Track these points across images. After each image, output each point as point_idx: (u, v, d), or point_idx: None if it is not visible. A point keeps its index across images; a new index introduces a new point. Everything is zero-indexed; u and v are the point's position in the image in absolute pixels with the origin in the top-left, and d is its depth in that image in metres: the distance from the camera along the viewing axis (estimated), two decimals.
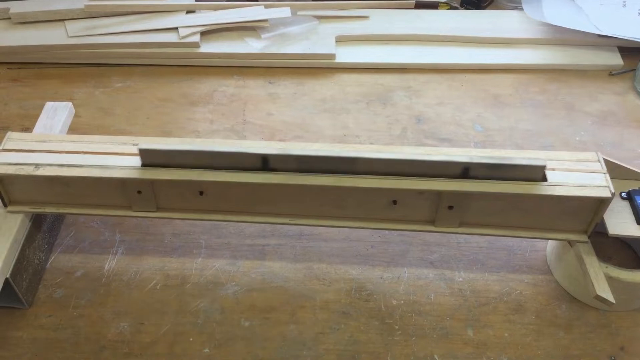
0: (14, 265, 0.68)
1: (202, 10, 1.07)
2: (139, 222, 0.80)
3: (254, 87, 1.01)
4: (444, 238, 0.78)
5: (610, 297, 0.64)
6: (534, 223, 0.69)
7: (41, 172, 0.67)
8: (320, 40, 1.05)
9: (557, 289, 0.74)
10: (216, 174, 0.66)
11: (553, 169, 0.67)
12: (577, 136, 0.93)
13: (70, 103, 0.85)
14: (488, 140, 0.92)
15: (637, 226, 0.68)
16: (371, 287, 0.74)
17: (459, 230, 0.69)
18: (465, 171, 0.64)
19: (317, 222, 0.70)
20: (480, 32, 1.08)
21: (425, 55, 1.05)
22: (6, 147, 0.70)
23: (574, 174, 0.66)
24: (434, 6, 1.16)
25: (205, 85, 1.01)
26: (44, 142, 0.70)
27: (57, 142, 0.70)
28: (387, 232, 0.79)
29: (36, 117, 0.85)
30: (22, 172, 0.67)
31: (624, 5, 1.08)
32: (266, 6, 1.08)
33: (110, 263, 0.76)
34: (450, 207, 0.67)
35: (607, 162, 0.69)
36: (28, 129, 0.92)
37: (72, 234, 0.79)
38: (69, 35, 1.02)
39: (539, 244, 0.78)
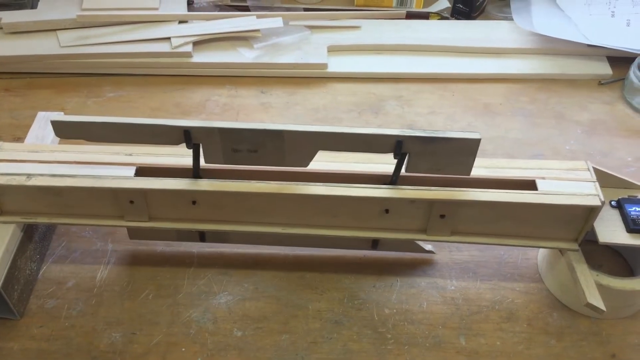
0: (5, 276, 0.68)
1: (194, 21, 1.08)
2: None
3: (247, 97, 1.01)
4: (435, 246, 0.79)
5: (601, 305, 0.64)
6: (525, 231, 0.69)
7: (33, 182, 0.67)
8: (313, 50, 1.06)
9: (548, 297, 0.74)
10: (209, 184, 0.66)
11: (543, 178, 0.67)
12: (567, 145, 0.94)
13: (62, 113, 0.85)
14: (479, 149, 0.92)
15: (627, 234, 0.68)
16: (364, 296, 0.74)
17: (451, 238, 0.70)
18: (399, 145, 0.61)
19: (310, 231, 0.70)
20: (470, 42, 1.09)
21: (417, 65, 1.06)
22: None
23: (564, 183, 0.67)
24: (425, 16, 1.17)
25: (197, 95, 1.01)
26: (36, 152, 0.70)
27: (49, 152, 0.70)
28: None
29: (28, 127, 0.85)
30: (14, 182, 0.67)
31: (613, 16, 1.10)
32: (258, 16, 1.08)
33: (102, 273, 0.76)
34: (442, 216, 0.67)
35: (596, 170, 0.69)
36: (20, 139, 0.92)
37: (63, 244, 0.79)
38: (61, 45, 1.02)
39: (530, 252, 0.79)
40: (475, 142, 0.61)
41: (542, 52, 1.08)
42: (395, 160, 0.64)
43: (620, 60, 1.06)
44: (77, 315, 0.72)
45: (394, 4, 1.18)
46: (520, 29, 1.09)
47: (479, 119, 0.98)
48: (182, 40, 1.03)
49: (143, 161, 0.69)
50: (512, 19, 1.12)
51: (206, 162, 0.64)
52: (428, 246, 0.77)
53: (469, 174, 0.64)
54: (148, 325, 0.71)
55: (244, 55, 1.04)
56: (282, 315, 0.72)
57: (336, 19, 1.13)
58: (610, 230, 0.69)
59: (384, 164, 0.69)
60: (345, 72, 1.05)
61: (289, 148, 0.62)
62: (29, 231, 0.73)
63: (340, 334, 0.70)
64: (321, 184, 0.66)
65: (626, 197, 0.71)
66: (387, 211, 0.67)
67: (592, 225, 0.67)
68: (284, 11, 1.13)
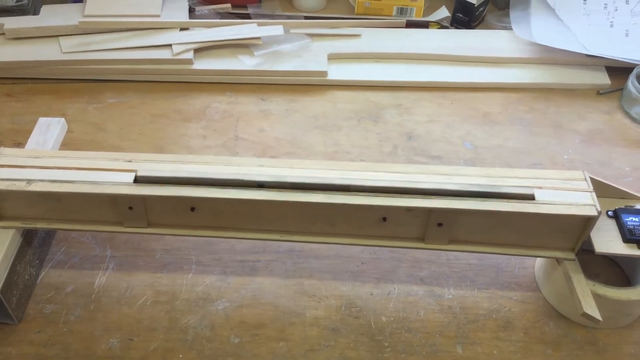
0: (4, 281, 0.68)
1: (195, 28, 1.08)
2: (130, 237, 0.80)
3: (247, 104, 1.02)
4: (433, 255, 0.79)
5: (597, 314, 0.65)
6: (522, 241, 0.69)
7: (33, 187, 0.67)
8: (313, 58, 1.06)
9: (545, 306, 0.74)
10: (208, 191, 0.66)
11: (540, 188, 0.68)
12: (565, 154, 0.95)
13: (63, 119, 0.86)
14: (477, 158, 0.93)
15: (624, 244, 0.69)
16: (361, 304, 0.74)
17: (449, 247, 0.70)
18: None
19: (308, 239, 0.70)
20: (470, 51, 1.09)
21: (416, 73, 1.07)
22: None
23: (561, 193, 0.67)
24: (425, 25, 1.18)
25: (198, 102, 1.02)
26: (37, 157, 0.71)
27: (50, 158, 0.71)
28: (377, 248, 0.80)
29: (29, 132, 0.85)
30: (14, 188, 0.67)
31: (612, 26, 1.10)
32: (259, 24, 1.09)
33: (101, 279, 0.76)
34: (440, 225, 0.67)
35: (593, 180, 0.70)
36: (20, 144, 0.92)
37: (63, 249, 0.79)
38: (63, 51, 1.03)
39: (528, 261, 0.79)
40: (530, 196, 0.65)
41: (541, 61, 1.09)
42: (397, 171, 0.64)
43: (618, 71, 1.07)
44: (75, 321, 0.72)
45: (394, 13, 1.19)
46: (520, 39, 1.10)
47: (477, 127, 0.98)
48: (183, 47, 1.03)
49: (143, 167, 0.69)
50: (511, 29, 1.13)
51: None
52: None
53: None
54: (146, 331, 0.71)
55: (244, 63, 1.05)
56: (280, 323, 0.72)
57: (336, 27, 1.13)
58: (607, 240, 0.69)
59: (383, 172, 0.69)
60: (345, 79, 1.05)
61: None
62: (28, 236, 0.73)
63: (337, 341, 0.71)
64: (320, 192, 0.66)
65: (623, 207, 0.72)
66: (384, 219, 0.68)
67: (589, 235, 0.68)
68: (285, 19, 1.13)
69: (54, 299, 0.74)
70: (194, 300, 0.74)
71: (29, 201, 0.69)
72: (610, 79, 1.06)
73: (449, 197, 0.66)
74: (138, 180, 0.67)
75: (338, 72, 1.06)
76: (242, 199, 0.66)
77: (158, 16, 1.08)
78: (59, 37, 1.05)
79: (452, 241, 0.70)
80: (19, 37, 1.06)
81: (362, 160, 0.92)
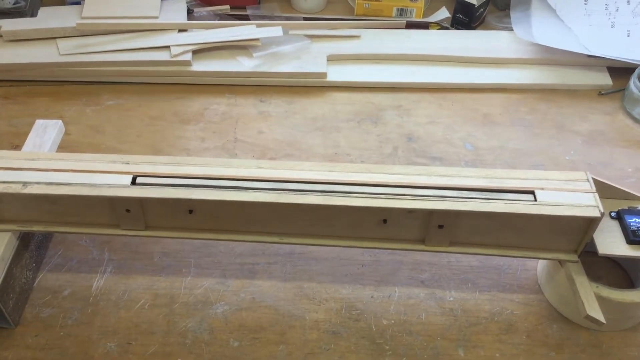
0: (1, 284, 0.67)
1: (194, 29, 1.08)
2: (128, 240, 0.80)
3: (246, 106, 1.01)
4: (434, 257, 0.78)
5: (600, 317, 0.64)
6: (524, 242, 0.69)
7: (29, 190, 0.66)
8: (312, 59, 1.06)
9: (547, 308, 0.74)
10: (206, 193, 0.66)
11: (543, 189, 0.67)
12: (567, 155, 0.94)
13: (60, 121, 0.85)
14: (478, 159, 0.92)
15: (627, 245, 0.68)
16: (361, 307, 0.74)
17: (450, 249, 0.69)
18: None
19: (307, 241, 0.69)
20: (470, 52, 1.09)
21: (416, 75, 1.06)
22: None
23: (564, 194, 0.66)
24: (425, 26, 1.17)
25: (196, 104, 1.01)
26: (33, 160, 0.70)
27: (46, 160, 0.70)
28: (377, 251, 0.79)
29: (26, 134, 0.84)
30: (10, 191, 0.66)
31: (613, 26, 1.10)
32: (258, 25, 1.08)
33: (99, 282, 0.75)
34: (441, 226, 0.66)
35: (596, 181, 0.69)
36: (17, 146, 0.91)
37: (60, 252, 0.78)
38: (61, 53, 1.02)
39: (530, 263, 0.78)
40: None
41: (542, 62, 1.08)
42: (396, 172, 0.63)
43: (620, 71, 1.06)
44: (72, 325, 0.71)
45: (393, 14, 1.18)
46: (520, 40, 1.09)
47: (478, 129, 0.98)
48: (181, 49, 1.03)
49: (140, 170, 0.68)
50: (512, 30, 1.12)
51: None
52: None
53: None
54: (144, 335, 0.70)
55: (243, 64, 1.04)
56: (279, 326, 0.71)
57: (336, 28, 1.13)
58: (610, 242, 0.68)
59: (383, 173, 0.68)
60: (345, 81, 1.05)
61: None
62: (25, 239, 0.73)
63: (337, 344, 0.70)
64: (319, 193, 0.66)
65: (626, 208, 0.71)
66: (385, 221, 0.67)
67: (592, 237, 0.67)
68: (284, 20, 1.13)
69: (51, 302, 0.73)
70: (193, 303, 0.73)
71: (25, 204, 0.68)
72: (612, 80, 1.06)
73: (450, 199, 0.65)
74: (136, 182, 0.67)
75: (337, 74, 1.05)
76: (241, 201, 0.65)
77: (156, 18, 1.07)
78: (57, 39, 1.05)
79: (453, 243, 0.69)
80: (17, 39, 1.05)
81: (362, 162, 0.91)
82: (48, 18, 1.08)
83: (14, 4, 1.10)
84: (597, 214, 0.64)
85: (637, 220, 0.69)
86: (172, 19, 1.08)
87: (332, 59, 1.07)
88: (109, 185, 0.66)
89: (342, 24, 1.14)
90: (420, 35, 1.13)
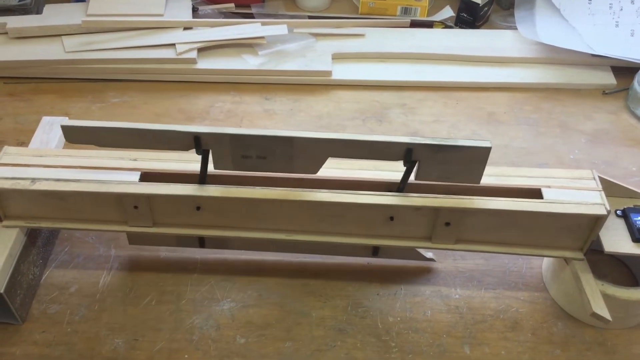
0: (8, 281, 0.67)
1: (199, 27, 1.08)
2: None
3: (251, 103, 1.01)
4: (440, 254, 0.78)
5: (606, 314, 0.64)
6: (530, 240, 0.69)
7: (37, 186, 0.66)
8: (317, 57, 1.06)
9: (553, 306, 0.74)
10: (214, 190, 0.66)
11: (549, 186, 0.67)
12: (571, 154, 0.94)
13: (67, 118, 0.85)
14: None
15: (633, 244, 0.68)
16: (367, 304, 0.74)
17: (456, 246, 0.69)
18: (409, 152, 0.61)
19: (314, 238, 0.70)
20: (475, 50, 1.09)
21: (421, 73, 1.06)
22: (2, 161, 0.69)
23: (570, 192, 0.67)
24: (429, 25, 1.18)
25: (202, 101, 1.01)
26: (41, 156, 0.70)
27: (54, 157, 0.70)
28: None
29: (31, 131, 0.85)
30: (18, 187, 0.66)
31: (617, 26, 1.10)
32: (263, 23, 1.08)
33: (105, 279, 0.76)
34: (447, 224, 0.67)
35: (602, 179, 0.69)
36: (24, 143, 0.91)
37: (66, 249, 0.78)
38: (66, 50, 1.03)
39: (535, 261, 0.78)
40: (486, 151, 0.60)
41: (547, 61, 1.08)
42: (404, 168, 0.63)
43: (624, 70, 1.06)
44: (79, 321, 0.71)
45: (398, 13, 1.19)
46: (525, 39, 1.10)
47: (483, 127, 0.98)
48: (186, 47, 1.03)
49: (148, 166, 0.69)
50: (516, 29, 1.12)
51: (215, 168, 0.64)
52: (429, 254, 0.77)
53: (478, 182, 0.63)
54: (151, 332, 0.70)
55: (248, 62, 1.04)
56: (286, 323, 0.72)
57: (340, 27, 1.13)
58: (616, 240, 0.68)
59: (391, 171, 0.69)
60: (350, 79, 1.05)
61: (298, 155, 0.62)
62: (32, 236, 0.73)
63: (344, 341, 0.70)
64: (327, 190, 0.66)
65: (632, 206, 0.71)
66: (392, 218, 0.67)
67: (598, 235, 0.67)
68: (288, 19, 1.13)
69: (58, 299, 0.73)
70: (199, 300, 0.73)
71: (33, 200, 0.68)
72: (616, 79, 1.06)
73: (457, 197, 0.65)
74: (143, 179, 0.67)
75: (342, 72, 1.06)
76: (249, 198, 0.65)
77: (161, 15, 1.07)
78: (62, 37, 1.05)
79: (459, 241, 0.69)
80: (22, 36, 1.05)
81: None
82: (53, 15, 1.08)
83: (20, 1, 1.10)
84: (604, 212, 0.64)
85: None
86: (178, 16, 1.08)
87: (337, 57, 1.08)
88: (117, 182, 0.66)
89: (347, 23, 1.14)
90: (425, 34, 1.14)
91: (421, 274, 0.77)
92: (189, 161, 0.70)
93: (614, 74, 1.07)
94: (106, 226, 0.70)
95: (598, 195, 0.66)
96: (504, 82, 1.06)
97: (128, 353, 0.68)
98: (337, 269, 0.77)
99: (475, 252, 0.76)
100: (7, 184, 0.67)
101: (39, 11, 1.11)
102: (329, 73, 1.04)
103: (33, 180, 0.67)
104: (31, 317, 0.71)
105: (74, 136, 0.63)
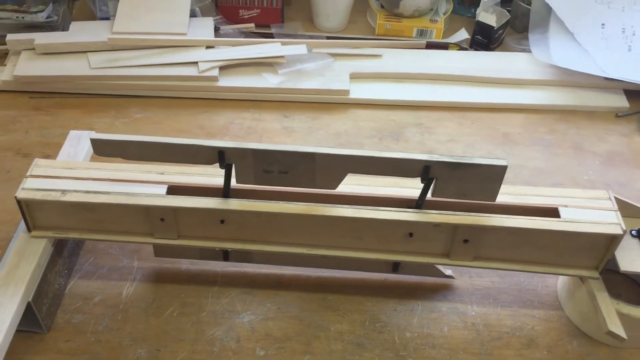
0: (36, 290, 0.69)
1: (221, 46, 1.11)
2: None
3: (270, 121, 1.03)
4: (456, 272, 0.80)
5: (622, 332, 0.65)
6: (546, 258, 0.70)
7: (68, 198, 0.68)
8: (335, 77, 1.08)
9: (568, 324, 0.75)
10: (239, 204, 0.68)
11: (566, 206, 0.69)
12: (585, 175, 0.95)
13: (94, 132, 0.87)
14: None
15: None
16: (385, 319, 0.75)
17: (473, 263, 0.71)
18: (426, 170, 0.63)
19: (335, 253, 0.71)
20: (490, 72, 1.11)
21: (437, 94, 1.08)
22: (33, 173, 0.72)
23: (586, 211, 0.68)
24: (444, 47, 1.20)
25: (222, 118, 1.04)
26: (70, 169, 0.72)
27: (83, 169, 0.72)
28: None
29: (57, 145, 0.87)
30: (49, 198, 0.69)
31: (630, 50, 1.12)
32: (283, 43, 1.11)
33: (128, 289, 0.77)
34: (466, 241, 0.68)
35: (617, 200, 0.70)
36: (49, 156, 0.94)
37: (91, 260, 0.80)
38: (92, 66, 1.05)
39: (550, 279, 0.79)
40: (502, 169, 0.62)
41: (560, 84, 1.10)
42: (422, 185, 0.65)
43: (636, 94, 1.08)
44: (103, 331, 0.73)
45: (414, 35, 1.21)
46: (539, 61, 1.12)
47: (498, 147, 0.99)
48: (208, 65, 1.06)
49: (174, 180, 0.70)
50: (530, 51, 1.14)
51: (238, 182, 0.66)
52: (448, 271, 0.78)
53: (494, 200, 0.65)
54: (173, 342, 0.72)
55: (268, 81, 1.07)
56: (305, 336, 0.73)
57: (358, 47, 1.15)
58: (632, 259, 0.70)
59: (410, 188, 0.70)
60: (367, 98, 1.07)
61: (320, 170, 0.64)
62: (59, 246, 0.75)
63: (361, 356, 0.71)
64: (348, 206, 0.68)
65: None
66: (411, 235, 0.69)
67: (613, 254, 0.68)
68: (308, 39, 1.16)
69: (82, 308, 0.75)
70: (220, 312, 0.75)
71: (62, 211, 0.70)
72: (629, 102, 1.08)
73: (476, 214, 0.67)
74: (170, 192, 0.69)
75: (360, 91, 1.08)
76: (272, 212, 0.67)
77: (185, 34, 1.10)
78: (88, 53, 1.08)
79: (476, 258, 0.71)
80: (49, 52, 1.08)
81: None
82: (79, 32, 1.11)
83: (47, 18, 1.13)
84: (620, 232, 0.65)
85: None
86: (200, 35, 1.11)
87: (355, 76, 1.10)
88: (145, 195, 0.68)
89: (364, 43, 1.16)
90: (440, 55, 1.16)
91: (438, 290, 0.78)
92: (214, 175, 0.72)
93: (626, 96, 1.09)
94: (132, 238, 0.72)
95: (614, 215, 0.67)
96: (519, 104, 1.07)
97: None
98: (355, 284, 0.79)
99: (492, 270, 0.77)
100: (39, 195, 0.69)
101: (65, 28, 1.14)
102: (346, 92, 1.06)
103: (64, 192, 0.69)
104: (56, 326, 0.73)
105: (103, 149, 0.65)
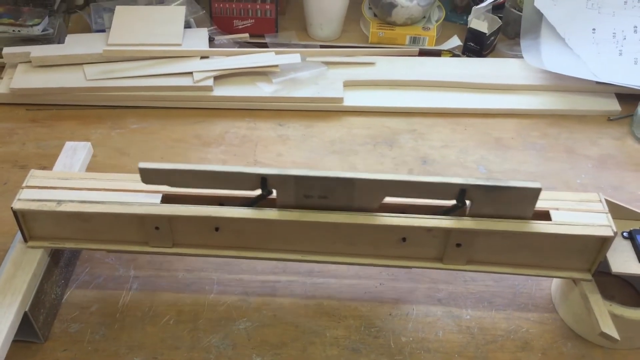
0: (32, 300, 0.70)
1: (215, 56, 1.12)
2: (153, 258, 0.82)
3: (265, 129, 1.04)
4: (450, 276, 0.80)
5: (615, 334, 0.65)
6: (539, 261, 0.71)
7: (63, 208, 0.69)
8: (329, 85, 1.09)
9: (562, 327, 0.75)
10: (232, 211, 0.68)
11: (557, 209, 0.69)
12: (578, 179, 0.96)
13: (89, 143, 0.88)
14: None
15: (639, 264, 0.70)
16: (380, 324, 0.75)
17: (467, 267, 0.71)
18: (462, 193, 0.65)
19: (328, 259, 0.72)
20: (482, 78, 1.12)
21: (430, 100, 1.09)
22: (29, 184, 0.72)
23: (578, 214, 0.69)
24: (437, 54, 1.21)
25: (218, 127, 1.04)
26: (66, 179, 0.73)
27: (79, 180, 0.73)
28: (395, 270, 0.81)
29: (53, 156, 0.87)
30: (45, 208, 0.69)
31: (620, 54, 1.13)
32: (277, 53, 1.12)
33: (125, 298, 0.78)
34: (458, 245, 0.69)
35: (608, 202, 0.71)
36: (46, 167, 0.94)
37: (87, 269, 0.81)
38: (87, 78, 1.06)
39: (544, 282, 0.80)
40: (536, 191, 0.64)
41: (552, 88, 1.11)
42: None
43: (628, 97, 1.09)
44: (100, 340, 0.73)
45: (407, 42, 1.22)
46: (531, 66, 1.13)
47: (491, 152, 1.00)
48: (203, 75, 1.07)
49: (168, 189, 0.71)
50: (522, 57, 1.15)
51: (278, 206, 0.68)
52: None
53: (530, 217, 0.67)
54: (169, 350, 0.72)
55: (262, 90, 1.08)
56: (300, 342, 0.73)
57: (351, 55, 1.16)
58: (623, 261, 0.70)
59: None
60: (361, 106, 1.08)
61: (359, 194, 0.66)
62: (55, 256, 0.75)
63: None
64: (340, 212, 0.68)
65: (638, 228, 0.73)
66: (404, 239, 0.69)
67: (605, 256, 0.69)
68: (301, 48, 1.17)
69: (79, 318, 0.75)
70: (216, 319, 0.75)
71: (58, 221, 0.71)
72: (621, 105, 1.09)
73: (468, 218, 0.67)
74: (165, 200, 0.70)
75: (353, 99, 1.09)
76: (266, 219, 0.68)
77: (179, 45, 1.11)
78: (84, 65, 1.09)
79: (470, 262, 0.71)
80: (45, 64, 1.09)
81: None
82: (75, 44, 1.12)
83: (43, 31, 1.14)
84: (611, 233, 0.66)
85: None
86: (195, 46, 1.12)
87: (348, 84, 1.11)
88: (140, 204, 0.69)
89: (358, 52, 1.17)
90: (433, 62, 1.17)
91: (433, 295, 0.79)
92: None
93: (618, 100, 1.09)
94: (128, 247, 0.73)
95: (605, 217, 0.68)
96: (511, 109, 1.08)
97: None
98: (350, 289, 0.79)
99: (486, 273, 0.78)
100: (34, 206, 0.69)
101: (61, 41, 1.15)
102: (340, 100, 1.07)
103: (59, 202, 0.70)
104: (53, 335, 0.74)
105: (150, 177, 0.67)
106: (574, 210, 0.69)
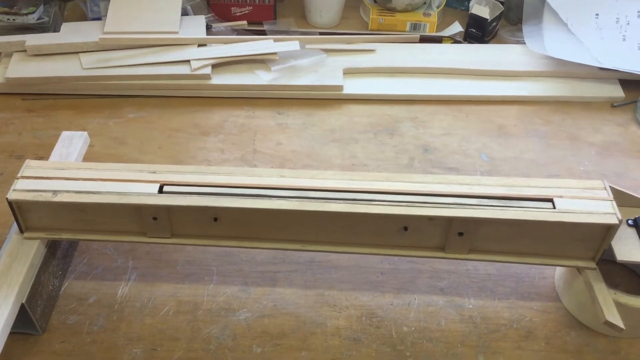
0: (30, 291, 0.69)
1: (213, 44, 1.10)
2: (152, 249, 0.81)
3: (264, 118, 1.03)
4: (452, 265, 0.79)
5: (619, 322, 0.65)
6: (542, 250, 0.70)
7: (59, 198, 0.68)
8: (329, 73, 1.08)
9: (566, 315, 0.75)
10: (231, 201, 0.67)
11: (561, 196, 0.68)
12: (581, 166, 0.95)
13: (86, 133, 0.87)
14: (494, 170, 0.94)
15: None
16: (382, 314, 0.75)
17: (469, 256, 0.70)
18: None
19: (329, 249, 0.71)
20: (484, 65, 1.11)
21: (432, 87, 1.08)
22: (24, 174, 0.71)
23: (582, 201, 0.68)
24: (438, 40, 1.19)
25: (216, 116, 1.03)
26: (62, 169, 0.72)
27: (75, 170, 0.72)
28: (396, 259, 0.80)
29: (50, 146, 0.86)
30: (40, 199, 0.68)
31: (624, 40, 1.11)
32: (275, 40, 1.10)
33: (123, 289, 0.77)
34: (460, 234, 0.68)
35: (613, 190, 0.70)
36: (42, 158, 0.93)
37: (85, 260, 0.80)
38: (83, 67, 1.05)
39: (547, 271, 0.79)
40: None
41: (555, 75, 1.10)
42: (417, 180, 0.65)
43: (632, 83, 1.07)
44: (98, 331, 0.72)
45: (407, 29, 1.21)
46: (533, 53, 1.11)
47: (493, 140, 0.99)
48: (201, 63, 1.05)
49: (166, 178, 0.70)
50: (524, 43, 1.14)
51: None
52: None
53: None
54: (168, 341, 0.71)
55: (261, 78, 1.06)
56: (301, 332, 0.73)
57: (351, 42, 1.15)
58: (628, 249, 0.69)
59: (403, 182, 0.70)
60: (361, 93, 1.07)
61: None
62: (52, 247, 0.74)
63: (359, 351, 0.71)
64: (342, 201, 0.67)
65: None
66: (405, 228, 0.68)
67: (610, 244, 0.68)
68: (300, 35, 1.15)
69: (77, 309, 0.75)
70: (216, 310, 0.75)
71: (54, 212, 0.70)
72: (624, 92, 1.07)
73: (470, 207, 0.66)
74: (163, 190, 0.69)
75: (353, 87, 1.07)
76: (265, 209, 0.67)
77: (176, 33, 1.10)
78: (80, 54, 1.07)
79: (472, 251, 0.70)
80: (40, 53, 1.08)
81: (379, 172, 0.92)
82: (71, 33, 1.10)
83: (38, 19, 1.13)
84: (616, 221, 0.65)
85: None
86: (192, 34, 1.10)
87: (348, 72, 1.09)
88: (137, 194, 0.68)
89: (357, 39, 1.16)
90: (434, 49, 1.15)
91: (434, 284, 0.78)
92: (206, 173, 0.71)
93: (622, 86, 1.08)
94: (125, 237, 0.72)
95: (609, 205, 0.67)
96: (514, 96, 1.07)
97: None
98: (351, 279, 0.78)
99: (488, 263, 0.77)
100: (30, 196, 0.68)
101: (56, 29, 1.14)
102: (340, 88, 1.06)
103: (55, 192, 0.68)
104: (51, 327, 0.73)
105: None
106: (578, 198, 0.68)
